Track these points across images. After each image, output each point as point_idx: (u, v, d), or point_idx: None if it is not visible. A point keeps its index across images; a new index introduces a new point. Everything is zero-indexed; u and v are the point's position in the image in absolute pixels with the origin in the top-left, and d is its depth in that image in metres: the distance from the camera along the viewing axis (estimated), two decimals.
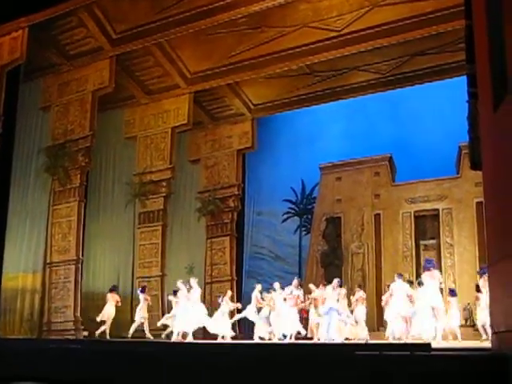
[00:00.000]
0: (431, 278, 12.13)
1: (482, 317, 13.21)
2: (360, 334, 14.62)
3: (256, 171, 25.28)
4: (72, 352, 9.58)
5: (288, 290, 14.36)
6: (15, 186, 18.83)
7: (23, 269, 18.85)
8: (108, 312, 15.60)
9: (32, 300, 18.48)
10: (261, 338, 14.50)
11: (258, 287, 14.85)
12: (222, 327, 14.51)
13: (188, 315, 13.64)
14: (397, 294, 13.47)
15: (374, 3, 17.06)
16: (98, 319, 15.50)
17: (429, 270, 12.36)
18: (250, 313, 14.89)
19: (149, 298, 16.11)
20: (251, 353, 7.97)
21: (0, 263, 17.49)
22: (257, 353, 7.90)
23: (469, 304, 18.82)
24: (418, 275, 20.05)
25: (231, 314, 15.65)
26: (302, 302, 14.66)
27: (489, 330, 12.23)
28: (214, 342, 13.48)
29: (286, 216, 27.34)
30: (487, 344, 9.31)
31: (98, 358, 8.78)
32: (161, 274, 19.92)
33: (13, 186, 18.53)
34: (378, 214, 21.62)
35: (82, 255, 18.69)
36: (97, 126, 19.27)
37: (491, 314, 6.21)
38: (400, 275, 14.22)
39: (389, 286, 14.37)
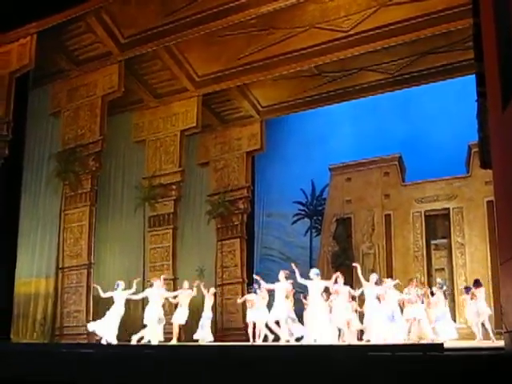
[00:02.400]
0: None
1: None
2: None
3: (265, 173, 25.26)
4: (84, 356, 9.63)
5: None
6: (27, 192, 18.90)
7: (36, 274, 18.93)
8: None
9: (45, 305, 18.54)
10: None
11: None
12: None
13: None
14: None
15: (381, 3, 17.01)
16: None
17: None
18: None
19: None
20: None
21: (13, 268, 17.59)
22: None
23: None
24: (430, 275, 20.10)
25: None
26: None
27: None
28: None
29: (296, 217, 27.29)
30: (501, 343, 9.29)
31: (111, 361, 8.81)
32: (173, 277, 19.93)
33: (24, 191, 18.60)
34: (389, 215, 21.54)
35: (93, 259, 18.76)
36: (106, 130, 19.36)
37: (503, 313, 6.17)
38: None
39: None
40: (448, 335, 13.62)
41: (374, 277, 13.05)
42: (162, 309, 14.00)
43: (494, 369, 5.38)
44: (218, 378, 6.99)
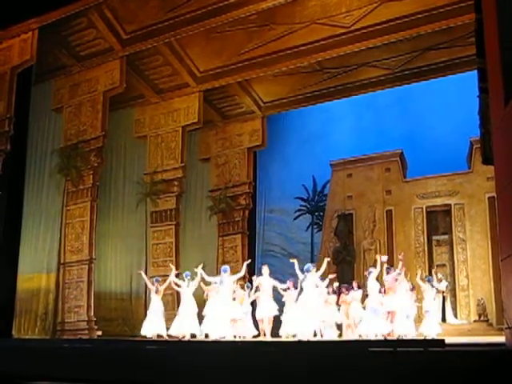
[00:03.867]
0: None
1: None
2: None
3: (267, 169, 25.26)
4: (85, 351, 9.65)
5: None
6: (29, 187, 18.92)
7: (38, 269, 18.92)
8: None
9: (46, 300, 18.55)
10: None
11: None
12: None
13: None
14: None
15: None
16: None
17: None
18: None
19: None
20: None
21: (15, 264, 17.62)
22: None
23: (482, 299, 18.79)
24: (431, 271, 20.13)
25: None
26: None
27: None
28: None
29: (297, 213, 27.31)
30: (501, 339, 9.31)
31: (111, 357, 8.83)
32: (176, 272, 19.90)
33: (27, 187, 18.62)
34: (390, 210, 21.56)
35: (95, 255, 18.78)
36: (107, 125, 19.36)
37: (505, 309, 6.18)
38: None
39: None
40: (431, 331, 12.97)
41: (310, 266, 12.24)
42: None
43: (495, 364, 5.39)
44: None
